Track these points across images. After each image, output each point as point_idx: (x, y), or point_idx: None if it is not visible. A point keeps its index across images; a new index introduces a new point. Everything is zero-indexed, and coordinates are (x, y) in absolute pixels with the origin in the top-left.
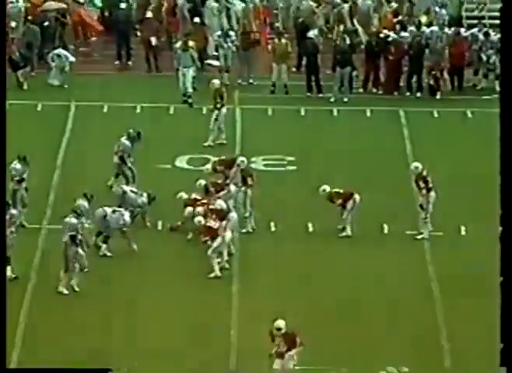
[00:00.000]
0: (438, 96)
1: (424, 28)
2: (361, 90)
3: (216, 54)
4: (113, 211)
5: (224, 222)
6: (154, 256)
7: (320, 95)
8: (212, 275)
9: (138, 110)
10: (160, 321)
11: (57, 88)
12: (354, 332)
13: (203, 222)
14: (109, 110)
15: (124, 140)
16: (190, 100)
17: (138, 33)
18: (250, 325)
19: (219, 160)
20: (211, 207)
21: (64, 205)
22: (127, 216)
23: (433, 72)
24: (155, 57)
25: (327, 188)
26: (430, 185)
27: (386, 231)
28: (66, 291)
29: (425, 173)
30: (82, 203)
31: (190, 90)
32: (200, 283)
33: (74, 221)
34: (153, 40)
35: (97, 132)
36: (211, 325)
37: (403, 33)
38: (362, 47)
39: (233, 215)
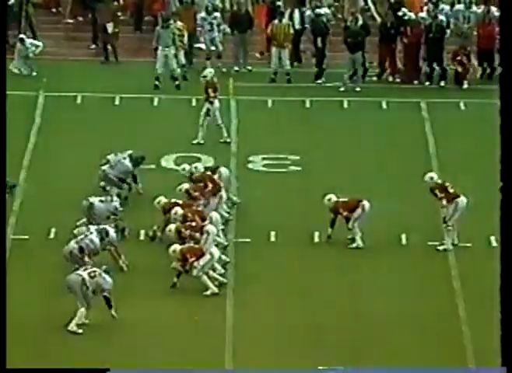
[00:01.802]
0: (465, 85)
1: (443, 6)
2: (375, 78)
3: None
4: (98, 230)
5: (204, 236)
6: (140, 269)
7: (329, 84)
8: (209, 292)
9: (117, 102)
10: (152, 338)
11: (23, 76)
12: (358, 350)
13: (178, 250)
14: (83, 102)
15: (126, 161)
16: (177, 82)
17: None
18: (246, 343)
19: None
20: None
21: (30, 213)
22: (112, 232)
23: (459, 58)
24: (112, 46)
25: (334, 197)
26: (451, 190)
27: (404, 242)
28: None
29: (441, 181)
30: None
31: (177, 70)
32: (193, 298)
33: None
34: (109, 27)
35: (69, 127)
36: (205, 343)
37: (421, 14)
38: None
39: (210, 227)
